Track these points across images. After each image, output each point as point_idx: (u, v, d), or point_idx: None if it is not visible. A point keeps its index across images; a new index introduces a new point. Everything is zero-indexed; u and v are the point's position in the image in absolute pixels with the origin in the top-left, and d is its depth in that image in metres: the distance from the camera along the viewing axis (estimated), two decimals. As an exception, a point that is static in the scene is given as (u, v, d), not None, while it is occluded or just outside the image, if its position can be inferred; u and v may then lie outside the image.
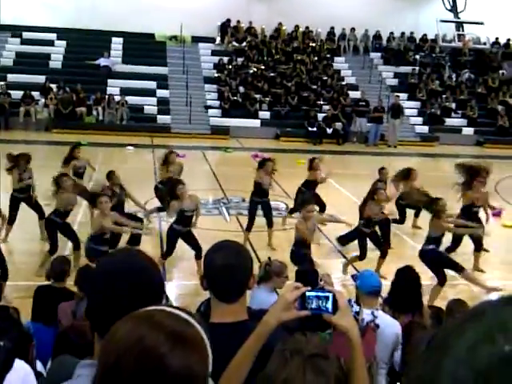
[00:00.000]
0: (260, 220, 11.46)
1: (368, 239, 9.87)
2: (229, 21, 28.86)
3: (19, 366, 2.26)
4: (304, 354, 1.88)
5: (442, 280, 8.52)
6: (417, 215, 12.66)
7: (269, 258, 6.33)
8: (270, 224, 11.22)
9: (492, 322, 0.65)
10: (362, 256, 9.78)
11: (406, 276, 5.62)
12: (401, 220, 12.33)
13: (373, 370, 4.35)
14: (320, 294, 2.09)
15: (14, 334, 3.69)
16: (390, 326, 4.84)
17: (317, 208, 12.56)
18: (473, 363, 0.63)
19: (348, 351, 2.09)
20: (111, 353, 1.28)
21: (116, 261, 1.98)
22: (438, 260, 8.68)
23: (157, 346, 1.25)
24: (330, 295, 2.08)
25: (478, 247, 10.44)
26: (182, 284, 9.45)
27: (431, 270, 8.66)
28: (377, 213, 9.70)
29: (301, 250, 8.58)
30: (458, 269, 8.71)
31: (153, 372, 1.24)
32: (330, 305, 2.07)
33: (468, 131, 26.61)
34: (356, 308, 4.23)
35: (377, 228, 10.12)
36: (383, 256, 9.76)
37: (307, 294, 2.08)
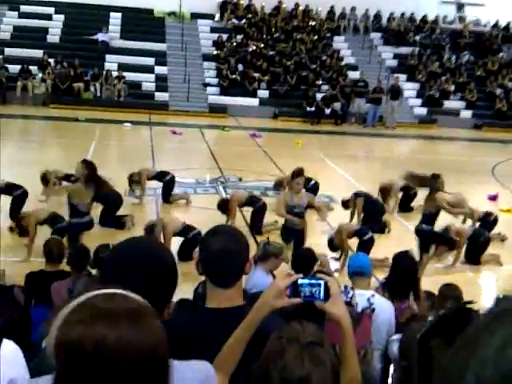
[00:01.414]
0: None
1: None
2: (227, -3, 28.65)
3: (6, 345, 2.26)
4: (301, 342, 1.89)
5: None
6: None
7: (267, 238, 6.31)
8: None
9: None
10: None
11: (404, 262, 5.64)
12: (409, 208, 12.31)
13: (369, 356, 4.36)
14: (312, 281, 2.10)
15: (9, 313, 3.68)
16: (384, 309, 4.86)
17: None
18: (499, 365, 0.63)
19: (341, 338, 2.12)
20: (60, 350, 1.24)
21: (130, 247, 2.00)
22: (433, 239, 8.79)
23: (101, 333, 1.21)
24: (322, 282, 2.09)
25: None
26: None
27: (422, 247, 8.77)
28: None
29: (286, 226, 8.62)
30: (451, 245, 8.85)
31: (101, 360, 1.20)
32: (321, 292, 2.08)
33: (466, 114, 26.55)
34: (350, 293, 4.23)
35: None
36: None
37: (299, 281, 2.09)
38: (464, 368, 0.66)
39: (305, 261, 5.58)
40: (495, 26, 30.44)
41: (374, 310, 4.59)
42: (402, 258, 5.69)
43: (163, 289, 1.85)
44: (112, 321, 1.21)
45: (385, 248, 8.96)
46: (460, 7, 30.36)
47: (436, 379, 0.72)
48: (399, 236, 10.48)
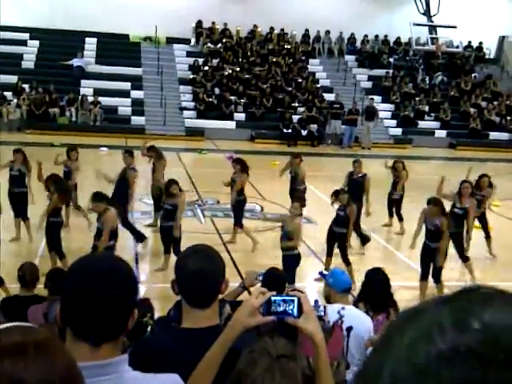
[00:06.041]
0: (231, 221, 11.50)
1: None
2: (200, 22, 28.82)
3: None
4: (272, 355, 1.91)
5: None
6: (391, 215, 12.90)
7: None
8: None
9: (430, 321, 0.69)
10: None
11: (375, 277, 5.74)
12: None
13: (341, 368, 4.38)
14: (285, 297, 2.11)
15: None
16: (359, 320, 4.90)
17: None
18: (412, 361, 0.67)
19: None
20: None
21: (91, 261, 1.98)
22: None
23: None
24: (295, 299, 2.10)
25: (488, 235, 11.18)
26: (152, 287, 9.38)
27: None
28: None
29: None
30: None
31: None
32: (295, 309, 2.08)
33: (441, 133, 26.88)
34: (322, 309, 4.25)
35: None
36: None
37: (273, 298, 2.10)
38: (380, 367, 0.70)
39: (277, 280, 5.61)
40: (468, 46, 30.97)
41: (351, 328, 4.62)
42: (374, 274, 5.81)
43: (128, 296, 1.84)
44: (19, 355, 1.14)
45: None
46: (432, 29, 30.85)
47: (356, 381, 0.74)
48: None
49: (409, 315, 0.73)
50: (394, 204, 12.93)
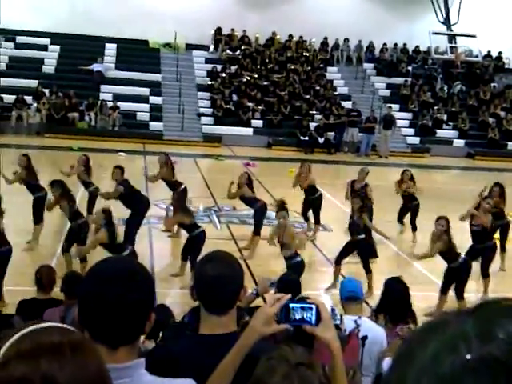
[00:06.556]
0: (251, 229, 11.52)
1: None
2: (219, 29, 28.93)
3: None
4: (290, 362, 1.92)
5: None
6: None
7: None
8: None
9: (455, 332, 0.69)
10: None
11: (395, 287, 5.65)
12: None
13: (357, 377, 4.37)
14: (304, 305, 2.11)
15: None
16: (374, 332, 4.87)
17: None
18: (436, 371, 0.67)
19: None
20: None
21: (109, 265, 1.99)
22: None
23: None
24: (314, 307, 2.10)
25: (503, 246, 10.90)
26: (171, 292, 9.41)
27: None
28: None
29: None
30: None
31: None
32: (313, 316, 2.08)
33: (459, 143, 26.73)
34: (338, 317, 4.26)
35: None
36: None
37: (291, 305, 2.10)
38: (403, 378, 0.69)
39: (292, 285, 5.61)
40: (487, 56, 30.80)
41: (366, 337, 4.60)
42: (393, 284, 5.70)
43: (146, 300, 1.86)
44: (56, 354, 1.15)
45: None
46: (452, 38, 30.75)
47: None
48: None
49: (431, 327, 0.73)
50: (407, 213, 12.86)
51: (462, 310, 0.74)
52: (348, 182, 12.31)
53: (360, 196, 10.85)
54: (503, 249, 11.31)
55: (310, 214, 12.67)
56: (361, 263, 9.69)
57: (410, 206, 12.76)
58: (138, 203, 11.09)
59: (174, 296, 9.19)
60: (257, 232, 11.32)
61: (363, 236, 9.72)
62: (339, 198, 15.23)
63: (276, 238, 9.14)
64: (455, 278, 8.71)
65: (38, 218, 10.92)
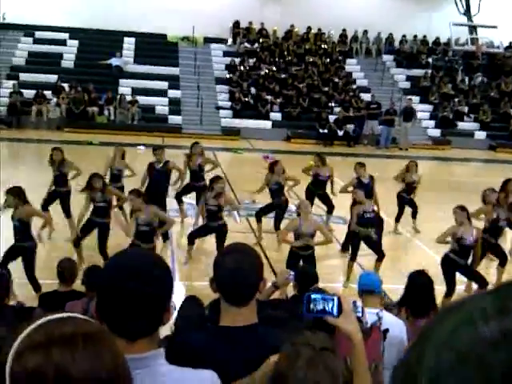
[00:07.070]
0: (270, 221, 11.50)
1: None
2: (237, 22, 28.88)
3: None
4: (314, 347, 1.95)
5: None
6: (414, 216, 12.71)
7: None
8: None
9: (473, 308, 0.70)
10: None
11: (419, 280, 5.58)
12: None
13: (379, 371, 4.33)
14: (325, 296, 2.11)
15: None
16: (394, 325, 4.83)
17: (324, 208, 12.61)
18: (454, 345, 0.68)
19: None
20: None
21: (127, 257, 1.99)
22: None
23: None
24: (336, 298, 2.11)
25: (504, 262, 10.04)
26: (192, 284, 9.43)
27: None
28: None
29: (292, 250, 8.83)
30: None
31: None
32: (335, 308, 2.07)
33: (480, 135, 26.48)
34: (360, 310, 4.22)
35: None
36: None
37: (313, 296, 2.09)
38: (421, 353, 0.70)
39: (309, 277, 5.62)
40: (508, 47, 30.45)
41: (388, 330, 4.56)
42: (417, 277, 5.63)
43: (163, 292, 1.86)
44: (68, 345, 1.14)
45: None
46: (472, 29, 30.43)
47: (395, 374, 0.75)
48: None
49: (450, 307, 0.74)
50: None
51: (482, 291, 0.74)
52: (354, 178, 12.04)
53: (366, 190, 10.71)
54: None
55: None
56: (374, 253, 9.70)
57: (408, 199, 12.56)
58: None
59: (195, 288, 9.19)
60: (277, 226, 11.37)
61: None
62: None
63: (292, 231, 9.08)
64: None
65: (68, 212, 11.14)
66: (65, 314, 1.22)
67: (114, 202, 10.53)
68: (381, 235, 10.34)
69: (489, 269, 10.27)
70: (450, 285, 8.52)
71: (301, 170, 12.92)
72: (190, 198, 12.85)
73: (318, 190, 12.25)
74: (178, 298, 8.93)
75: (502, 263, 9.81)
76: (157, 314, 1.83)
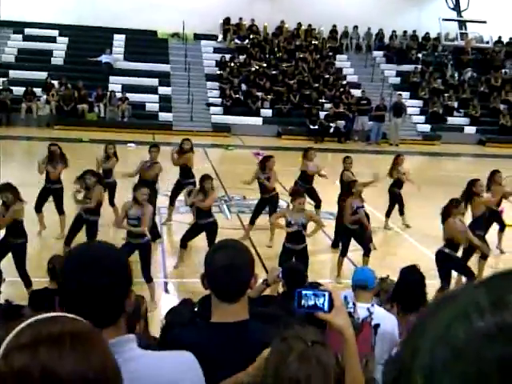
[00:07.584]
0: (262, 217, 11.51)
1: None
2: (228, 18, 28.82)
3: None
4: (306, 341, 1.97)
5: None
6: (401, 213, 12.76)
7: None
8: None
9: (467, 301, 0.69)
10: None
11: (410, 276, 5.59)
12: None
13: (371, 365, 4.35)
14: (316, 291, 2.11)
15: None
16: (385, 320, 4.84)
17: (312, 203, 12.61)
18: (450, 340, 0.67)
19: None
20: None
21: (80, 252, 2.01)
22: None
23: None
24: (327, 294, 2.11)
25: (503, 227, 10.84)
26: (182, 282, 9.43)
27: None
28: None
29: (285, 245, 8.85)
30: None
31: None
32: (326, 303, 2.08)
33: (470, 130, 26.57)
34: (351, 305, 4.25)
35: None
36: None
37: (303, 291, 2.09)
38: (416, 348, 0.70)
39: (297, 274, 5.61)
40: (498, 42, 30.56)
41: (379, 325, 4.57)
42: (409, 272, 5.64)
43: (119, 282, 1.87)
44: (55, 345, 1.13)
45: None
46: (462, 24, 30.50)
47: (388, 369, 0.75)
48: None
49: (442, 299, 0.73)
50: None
51: (470, 283, 0.74)
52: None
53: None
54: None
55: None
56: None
57: (399, 194, 12.61)
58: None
59: (186, 285, 9.20)
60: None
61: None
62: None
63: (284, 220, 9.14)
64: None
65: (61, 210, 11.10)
66: (53, 314, 1.22)
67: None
68: (370, 230, 10.39)
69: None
70: (445, 280, 8.54)
71: (297, 168, 12.93)
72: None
73: (305, 184, 12.26)
74: (170, 296, 8.97)
75: (484, 256, 9.87)
76: (117, 303, 1.86)
